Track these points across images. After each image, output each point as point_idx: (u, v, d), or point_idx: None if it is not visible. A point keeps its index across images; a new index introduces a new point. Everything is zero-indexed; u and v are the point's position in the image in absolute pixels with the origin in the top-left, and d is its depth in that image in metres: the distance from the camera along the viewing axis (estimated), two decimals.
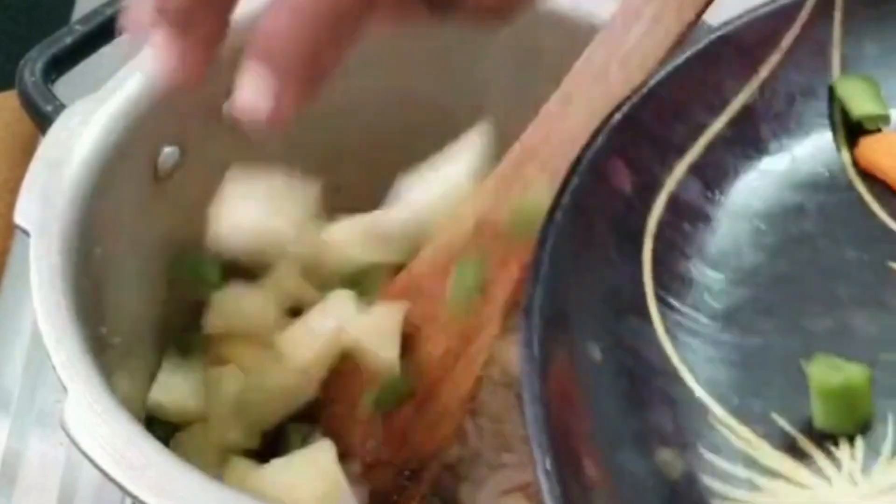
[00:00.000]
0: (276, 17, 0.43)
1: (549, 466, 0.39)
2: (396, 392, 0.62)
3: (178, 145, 0.64)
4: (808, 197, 0.51)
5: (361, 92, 0.68)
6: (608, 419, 0.42)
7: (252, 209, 0.61)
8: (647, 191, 0.48)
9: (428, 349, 0.62)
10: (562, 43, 0.63)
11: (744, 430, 0.43)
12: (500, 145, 0.59)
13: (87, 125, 0.60)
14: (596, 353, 0.43)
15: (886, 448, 0.44)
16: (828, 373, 0.43)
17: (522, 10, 0.50)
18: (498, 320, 0.60)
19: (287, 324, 0.63)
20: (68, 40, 0.64)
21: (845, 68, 0.53)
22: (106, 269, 0.60)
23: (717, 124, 0.50)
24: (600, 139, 0.48)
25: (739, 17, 0.53)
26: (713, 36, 0.52)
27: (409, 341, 0.62)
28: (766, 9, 0.53)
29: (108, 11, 0.64)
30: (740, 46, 0.52)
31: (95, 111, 0.61)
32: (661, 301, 0.46)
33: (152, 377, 0.66)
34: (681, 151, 0.49)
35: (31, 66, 0.63)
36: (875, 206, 0.50)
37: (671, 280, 0.47)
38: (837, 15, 0.53)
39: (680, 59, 0.51)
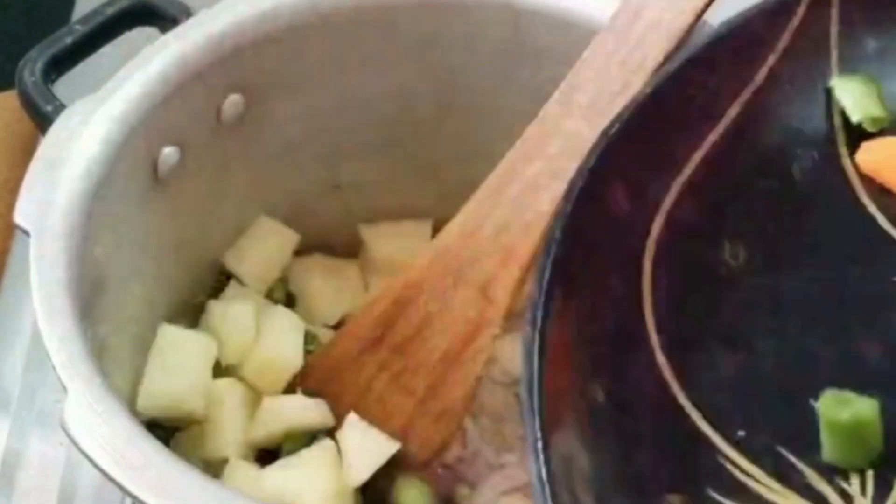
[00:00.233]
0: None
1: None
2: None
3: (178, 145, 0.64)
4: (808, 207, 0.49)
5: (361, 91, 0.68)
6: (611, 461, 0.41)
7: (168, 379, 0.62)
8: (646, 212, 0.47)
9: (428, 348, 0.62)
10: (562, 43, 0.63)
11: (752, 468, 0.42)
12: (501, 145, 0.59)
13: (87, 125, 0.60)
14: (599, 393, 0.42)
15: None
16: (837, 408, 0.42)
17: None
18: (498, 320, 0.60)
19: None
20: (68, 40, 0.64)
21: (844, 68, 0.52)
22: (106, 269, 0.60)
23: (714, 136, 0.49)
24: (595, 160, 0.47)
25: (733, 19, 0.51)
26: (707, 41, 0.51)
27: (409, 341, 0.62)
28: (761, 8, 0.51)
29: (108, 11, 0.64)
30: (735, 50, 0.51)
31: (95, 111, 0.60)
32: (662, 327, 0.44)
33: None
34: (679, 166, 0.48)
35: (31, 66, 0.63)
36: (880, 218, 0.49)
37: (672, 305, 0.45)
38: (834, 12, 0.52)
39: (674, 67, 0.50)
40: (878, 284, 0.47)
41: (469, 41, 0.67)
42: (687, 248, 0.47)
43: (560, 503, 0.38)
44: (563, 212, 0.45)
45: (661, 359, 0.44)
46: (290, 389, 0.66)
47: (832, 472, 0.43)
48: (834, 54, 0.52)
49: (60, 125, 0.60)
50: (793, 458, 0.43)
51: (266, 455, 0.64)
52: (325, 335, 0.68)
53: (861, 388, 0.44)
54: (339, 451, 0.62)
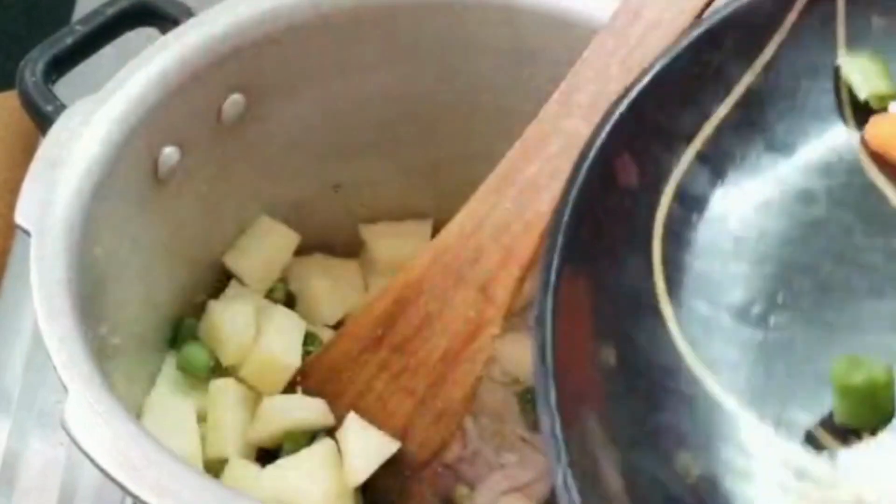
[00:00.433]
0: None
1: (568, 480, 0.38)
2: None
3: (178, 145, 0.64)
4: (817, 181, 0.49)
5: (361, 92, 0.68)
6: (625, 424, 0.41)
7: None
8: (655, 184, 0.47)
9: (428, 348, 0.62)
10: (562, 43, 0.63)
11: (762, 427, 0.43)
12: (501, 145, 0.59)
13: (88, 125, 0.60)
14: (611, 357, 0.42)
15: None
16: (849, 371, 0.42)
17: None
18: (498, 320, 0.60)
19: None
20: (69, 40, 0.64)
21: (851, 45, 0.51)
22: (106, 269, 0.60)
23: (723, 110, 0.49)
24: (604, 134, 0.47)
25: None
26: (715, 18, 0.50)
27: (409, 341, 0.62)
28: None
29: (109, 11, 0.64)
30: (742, 27, 0.50)
31: (96, 111, 0.60)
32: (674, 298, 0.45)
33: (152, 377, 0.66)
34: (687, 140, 0.48)
35: (32, 67, 0.63)
36: (888, 190, 0.49)
37: (682, 275, 0.46)
38: None
39: (682, 44, 0.50)
40: (888, 254, 0.47)
41: (469, 41, 0.67)
42: (696, 220, 0.47)
43: (575, 463, 0.39)
44: (573, 182, 0.45)
45: (672, 327, 0.44)
46: (289, 389, 0.66)
47: (845, 432, 0.43)
48: (841, 32, 0.51)
49: (61, 125, 0.60)
50: (804, 420, 0.43)
51: (266, 455, 0.64)
52: (325, 335, 0.69)
53: (873, 352, 0.44)
54: (339, 450, 0.62)
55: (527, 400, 0.69)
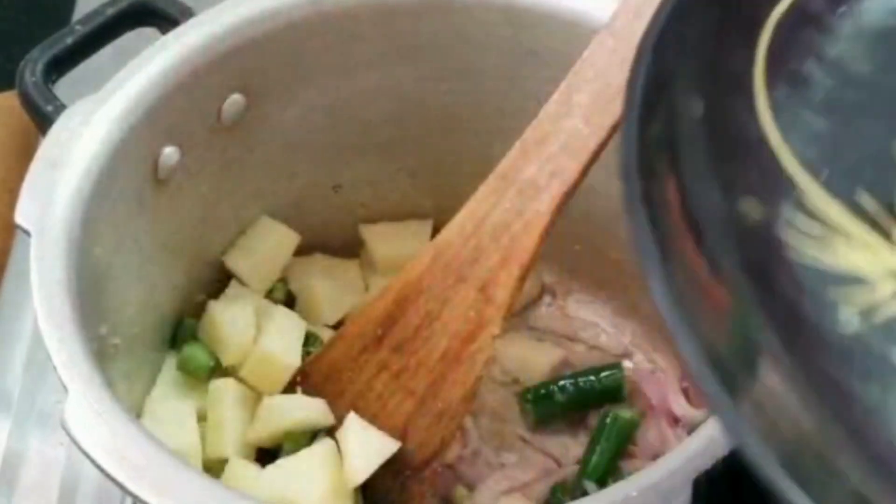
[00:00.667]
0: None
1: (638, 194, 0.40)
2: None
3: (178, 145, 0.64)
4: None
5: (361, 92, 0.68)
6: (699, 166, 0.42)
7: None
8: None
9: (428, 348, 0.62)
10: (562, 43, 0.63)
11: (828, 198, 0.43)
12: (501, 145, 0.59)
13: (88, 125, 0.60)
14: (699, 108, 0.43)
15: None
16: None
17: None
18: (498, 320, 0.60)
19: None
20: (69, 41, 0.64)
21: None
22: (106, 270, 0.60)
23: None
24: None
25: None
26: None
27: (409, 341, 0.62)
28: None
29: (108, 11, 0.64)
30: None
31: (96, 111, 0.61)
32: (768, 84, 0.45)
33: (152, 377, 0.66)
34: None
35: (32, 67, 0.63)
36: None
37: (781, 70, 0.46)
38: None
39: None
40: None
41: (469, 41, 0.67)
42: (805, 30, 0.48)
43: (647, 191, 0.41)
44: None
45: (760, 102, 0.45)
46: (289, 389, 0.66)
47: None
48: None
49: (61, 125, 0.60)
50: (870, 202, 0.44)
51: (266, 455, 0.64)
52: (325, 335, 0.69)
53: None
54: (339, 450, 0.62)
55: (527, 400, 0.69)
